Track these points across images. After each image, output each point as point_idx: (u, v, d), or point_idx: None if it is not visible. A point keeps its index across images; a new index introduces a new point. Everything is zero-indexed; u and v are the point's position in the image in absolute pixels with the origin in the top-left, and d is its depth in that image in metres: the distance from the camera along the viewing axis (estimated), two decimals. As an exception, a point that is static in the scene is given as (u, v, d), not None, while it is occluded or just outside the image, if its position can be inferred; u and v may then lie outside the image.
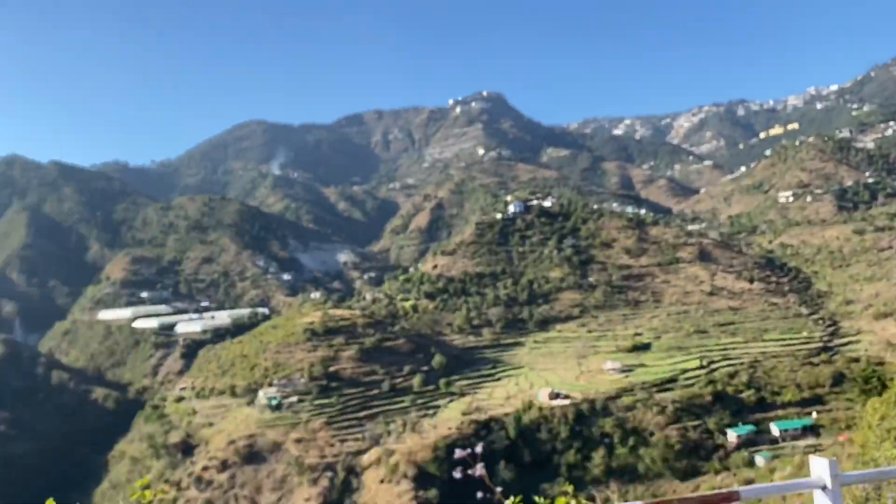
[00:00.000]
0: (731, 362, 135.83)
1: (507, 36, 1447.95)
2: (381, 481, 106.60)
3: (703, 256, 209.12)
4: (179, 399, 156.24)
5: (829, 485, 5.24)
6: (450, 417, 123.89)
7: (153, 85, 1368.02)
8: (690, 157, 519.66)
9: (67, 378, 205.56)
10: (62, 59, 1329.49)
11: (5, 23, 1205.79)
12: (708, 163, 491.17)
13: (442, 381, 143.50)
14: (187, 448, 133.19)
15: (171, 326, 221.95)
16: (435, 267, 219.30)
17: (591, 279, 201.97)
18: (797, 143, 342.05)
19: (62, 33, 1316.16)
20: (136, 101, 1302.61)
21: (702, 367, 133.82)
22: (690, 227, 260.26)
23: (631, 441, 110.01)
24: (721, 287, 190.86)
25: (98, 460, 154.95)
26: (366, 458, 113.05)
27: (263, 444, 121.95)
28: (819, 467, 5.38)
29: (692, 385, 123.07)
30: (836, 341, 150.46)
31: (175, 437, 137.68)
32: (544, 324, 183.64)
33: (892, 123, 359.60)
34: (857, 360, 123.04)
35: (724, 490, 5.02)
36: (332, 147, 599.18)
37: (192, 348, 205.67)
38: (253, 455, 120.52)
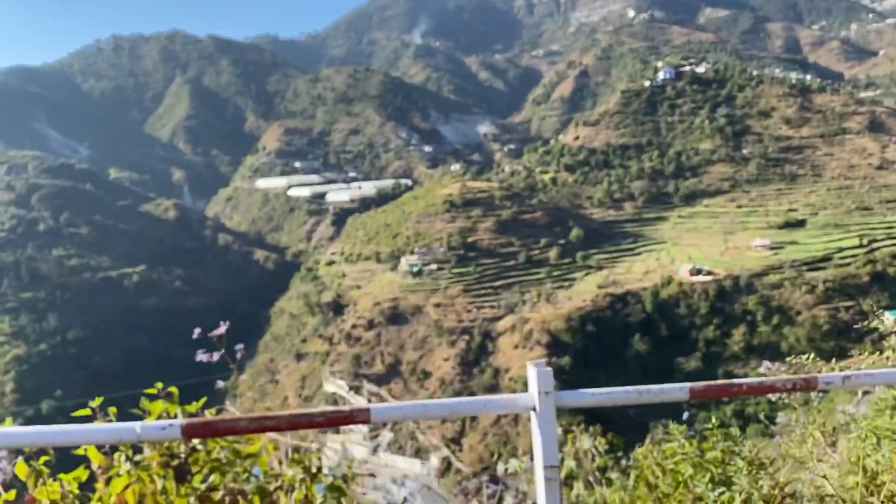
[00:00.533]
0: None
1: None
2: (516, 347, 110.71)
3: (875, 127, 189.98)
4: (330, 263, 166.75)
5: (537, 406, 3.48)
6: (585, 290, 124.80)
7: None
8: (871, 15, 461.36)
9: (232, 240, 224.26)
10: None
11: None
12: (892, 20, 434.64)
13: (579, 255, 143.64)
14: (338, 307, 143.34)
15: (322, 195, 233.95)
16: (576, 138, 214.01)
17: (744, 151, 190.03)
18: None
19: None
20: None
21: (861, 245, 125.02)
22: (863, 95, 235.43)
23: (775, 319, 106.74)
24: (893, 160, 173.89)
25: (261, 315, 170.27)
26: (501, 325, 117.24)
27: (406, 307, 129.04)
28: (532, 379, 3.52)
29: (848, 265, 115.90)
30: None
31: (327, 297, 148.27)
32: (691, 198, 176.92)
33: None
34: None
35: (351, 408, 3.39)
36: (474, 13, 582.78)
37: (341, 216, 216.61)
38: (396, 316, 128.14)
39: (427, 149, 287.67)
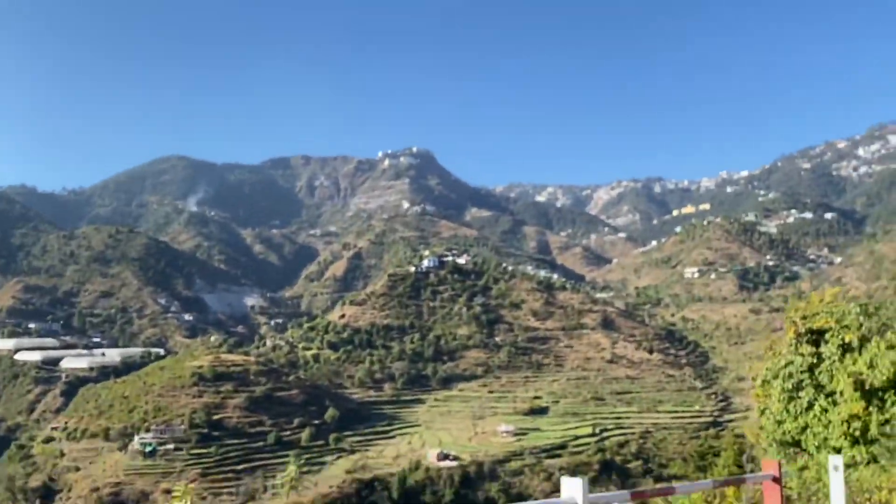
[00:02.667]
0: (624, 431, 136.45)
1: (440, 94, 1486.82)
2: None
3: (607, 324, 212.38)
4: (48, 440, 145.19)
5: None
6: (334, 475, 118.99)
7: (70, 109, 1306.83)
8: (606, 228, 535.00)
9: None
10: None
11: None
12: (622, 235, 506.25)
13: (332, 437, 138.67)
14: (48, 493, 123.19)
15: (56, 361, 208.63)
16: (343, 316, 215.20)
17: (497, 339, 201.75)
18: (706, 222, 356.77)
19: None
20: (51, 124, 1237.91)
21: (594, 434, 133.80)
22: (598, 295, 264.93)
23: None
24: (621, 355, 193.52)
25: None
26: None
27: (130, 493, 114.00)
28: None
29: (581, 452, 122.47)
30: (726, 416, 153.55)
31: (36, 481, 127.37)
32: (447, 381, 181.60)
33: (793, 211, 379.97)
34: (741, 436, 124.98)
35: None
36: (255, 188, 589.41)
37: (75, 386, 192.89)
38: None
39: (187, 317, 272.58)
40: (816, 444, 11.91)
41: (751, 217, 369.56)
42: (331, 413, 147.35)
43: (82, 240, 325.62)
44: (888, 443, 11.14)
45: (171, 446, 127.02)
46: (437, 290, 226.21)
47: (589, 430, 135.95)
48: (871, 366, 11.67)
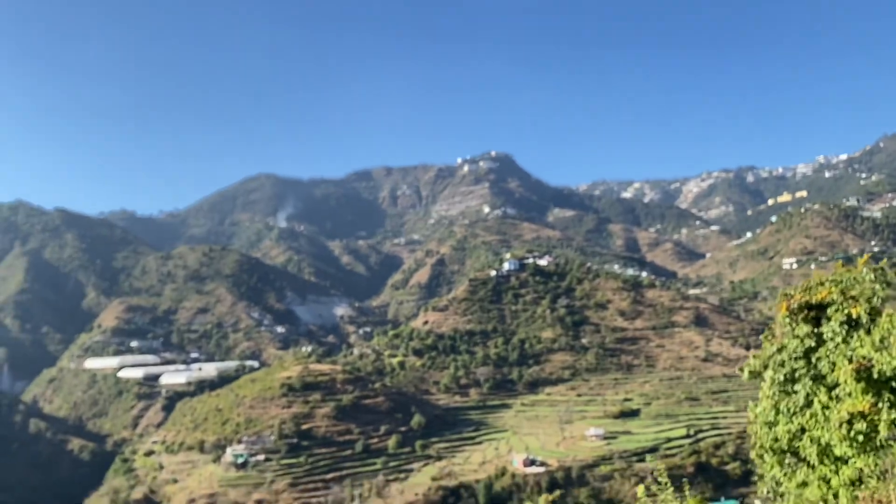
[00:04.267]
0: (720, 432, 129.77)
1: (518, 96, 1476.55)
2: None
3: (700, 321, 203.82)
4: (149, 453, 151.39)
5: None
6: (420, 482, 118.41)
7: (166, 136, 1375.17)
8: (698, 222, 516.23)
9: (45, 427, 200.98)
10: (73, 108, 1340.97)
11: (18, 69, 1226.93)
12: (715, 228, 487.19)
13: (418, 443, 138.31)
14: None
15: (156, 377, 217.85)
16: (426, 323, 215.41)
17: (583, 341, 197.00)
18: (803, 210, 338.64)
19: (73, 82, 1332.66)
20: (148, 152, 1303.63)
21: (688, 436, 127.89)
22: (692, 292, 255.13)
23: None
24: (716, 353, 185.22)
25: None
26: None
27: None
28: None
29: (675, 455, 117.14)
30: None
31: (138, 493, 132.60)
32: (534, 385, 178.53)
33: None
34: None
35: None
36: (340, 201, 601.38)
37: (175, 400, 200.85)
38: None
39: (279, 329, 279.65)
40: (817, 452, 9.32)
41: (852, 202, 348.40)
42: (417, 420, 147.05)
43: (178, 260, 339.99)
44: None
45: (261, 457, 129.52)
46: (518, 294, 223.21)
47: (683, 432, 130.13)
48: (880, 347, 8.95)
